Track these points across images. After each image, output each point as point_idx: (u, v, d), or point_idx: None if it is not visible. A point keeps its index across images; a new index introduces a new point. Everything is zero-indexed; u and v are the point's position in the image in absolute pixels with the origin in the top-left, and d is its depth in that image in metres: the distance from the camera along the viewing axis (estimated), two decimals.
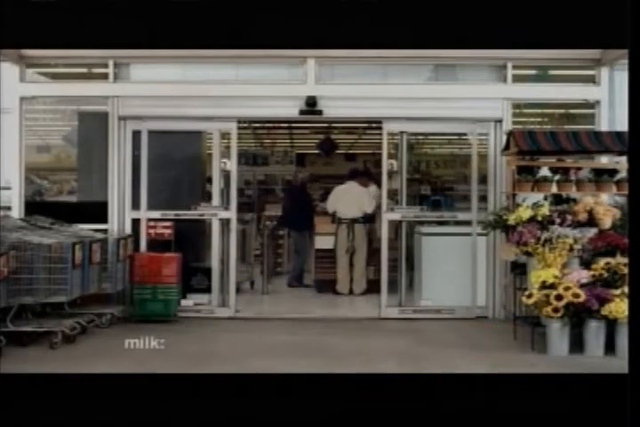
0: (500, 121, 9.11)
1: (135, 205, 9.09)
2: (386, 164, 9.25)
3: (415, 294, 9.35)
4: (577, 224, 7.63)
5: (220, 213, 9.09)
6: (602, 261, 7.39)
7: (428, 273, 9.20)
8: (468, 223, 9.22)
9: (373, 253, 10.62)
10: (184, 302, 8.93)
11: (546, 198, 8.04)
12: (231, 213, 9.15)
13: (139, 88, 9.17)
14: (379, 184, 10.75)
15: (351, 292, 10.63)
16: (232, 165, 9.29)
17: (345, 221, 10.73)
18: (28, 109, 9.25)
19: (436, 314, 8.96)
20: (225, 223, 9.14)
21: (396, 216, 9.19)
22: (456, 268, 9.06)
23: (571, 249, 7.39)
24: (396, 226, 9.31)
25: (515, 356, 7.18)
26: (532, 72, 9.43)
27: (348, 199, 10.77)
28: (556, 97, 9.33)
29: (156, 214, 9.07)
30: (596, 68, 9.14)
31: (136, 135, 9.13)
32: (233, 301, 9.13)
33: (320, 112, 9.14)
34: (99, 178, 9.21)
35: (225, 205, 9.17)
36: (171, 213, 9.09)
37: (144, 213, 9.08)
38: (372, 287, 10.29)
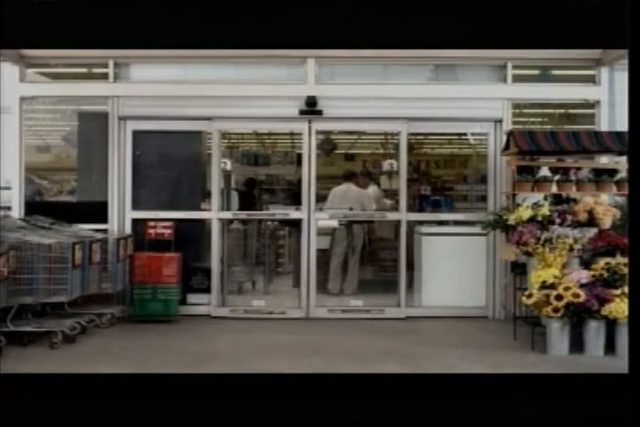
0: (499, 121, 9.11)
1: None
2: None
3: (415, 293, 9.35)
4: (577, 224, 7.64)
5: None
6: (602, 261, 7.40)
7: (428, 273, 9.20)
8: (467, 223, 9.22)
9: (371, 254, 10.64)
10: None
11: (546, 198, 8.04)
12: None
13: (139, 88, 9.18)
14: (378, 184, 10.78)
15: (341, 292, 10.62)
16: (311, 170, 9.49)
17: (342, 222, 10.73)
18: (27, 109, 9.26)
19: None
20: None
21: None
22: (456, 268, 9.06)
23: (571, 249, 7.40)
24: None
25: (515, 356, 7.18)
26: (532, 72, 9.43)
27: (347, 200, 10.76)
28: (555, 97, 9.31)
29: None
30: (596, 68, 9.14)
31: (136, 135, 9.15)
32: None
33: (320, 112, 9.15)
34: (99, 178, 9.22)
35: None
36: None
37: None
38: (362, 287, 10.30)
